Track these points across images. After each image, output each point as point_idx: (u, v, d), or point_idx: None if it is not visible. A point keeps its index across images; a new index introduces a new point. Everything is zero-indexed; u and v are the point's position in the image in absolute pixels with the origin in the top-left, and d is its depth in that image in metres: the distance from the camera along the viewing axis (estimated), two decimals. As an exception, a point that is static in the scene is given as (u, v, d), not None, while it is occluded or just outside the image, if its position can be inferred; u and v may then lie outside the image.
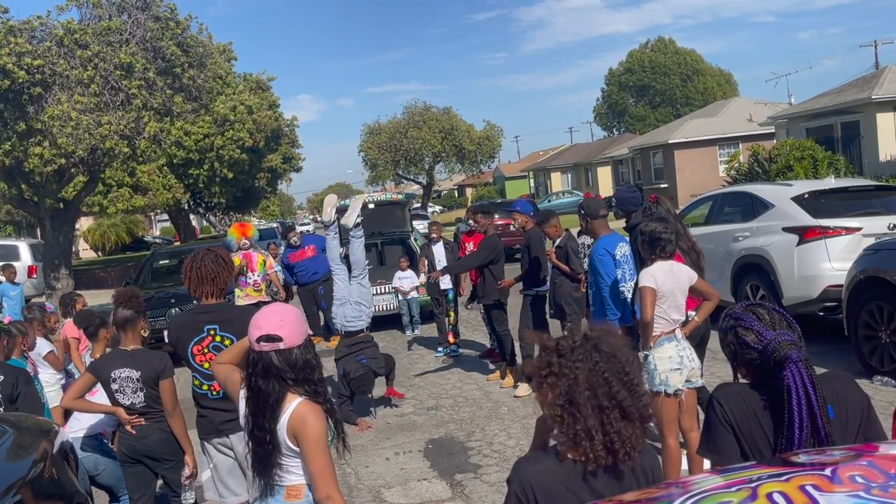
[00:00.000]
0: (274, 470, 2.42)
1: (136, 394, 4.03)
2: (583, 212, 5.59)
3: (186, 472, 4.05)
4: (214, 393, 3.74)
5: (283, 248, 12.22)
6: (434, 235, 9.99)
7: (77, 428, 4.51)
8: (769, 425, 2.13)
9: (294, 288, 11.05)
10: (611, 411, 1.90)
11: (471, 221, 8.58)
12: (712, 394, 2.27)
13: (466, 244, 9.13)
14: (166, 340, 4.03)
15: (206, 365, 3.71)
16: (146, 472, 4.10)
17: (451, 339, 9.43)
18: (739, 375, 2.31)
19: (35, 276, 18.14)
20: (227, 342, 3.68)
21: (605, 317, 5.12)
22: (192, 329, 3.77)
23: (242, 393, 2.53)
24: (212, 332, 3.73)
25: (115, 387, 4.02)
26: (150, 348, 4.28)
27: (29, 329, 5.47)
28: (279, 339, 2.40)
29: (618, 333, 2.05)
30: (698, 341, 4.78)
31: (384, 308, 11.12)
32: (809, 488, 1.56)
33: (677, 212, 6.70)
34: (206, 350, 3.74)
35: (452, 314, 9.47)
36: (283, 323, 2.42)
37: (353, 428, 6.55)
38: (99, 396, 4.31)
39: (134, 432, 4.02)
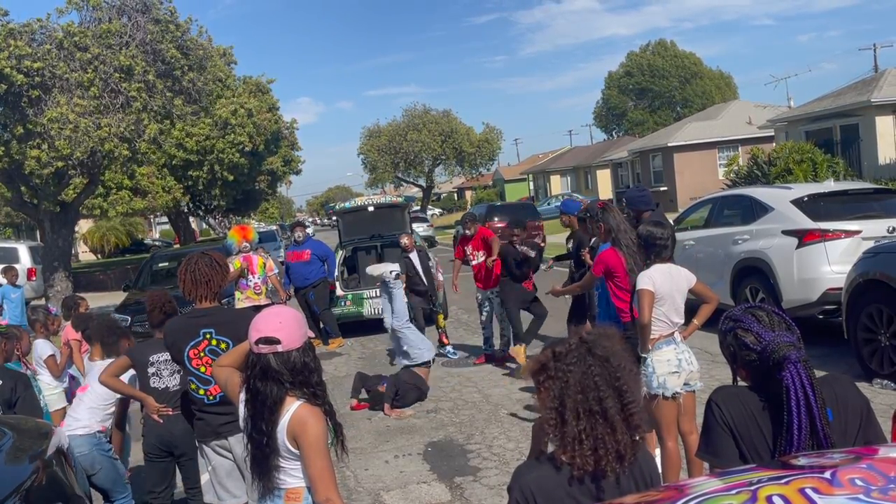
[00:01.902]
0: (273, 473, 2.42)
1: (173, 376, 4.17)
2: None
3: None
4: (210, 398, 3.72)
5: (281, 249, 12.20)
6: (406, 243, 10.04)
7: (75, 427, 4.50)
8: (768, 428, 2.13)
9: (291, 289, 11.05)
10: (599, 416, 1.90)
11: (467, 231, 9.07)
12: (710, 396, 2.26)
13: (465, 248, 9.24)
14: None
15: (203, 369, 3.70)
16: (170, 465, 4.27)
17: (444, 340, 9.64)
18: (739, 378, 2.31)
19: (34, 278, 18.12)
20: (223, 346, 3.67)
21: (610, 318, 5.12)
22: (188, 333, 3.76)
23: (242, 396, 2.53)
24: (207, 336, 3.72)
25: (151, 370, 4.17)
26: None
27: (23, 334, 5.44)
28: (277, 342, 2.40)
29: (616, 337, 2.05)
30: None
31: (379, 311, 11.12)
32: (809, 491, 1.56)
33: (677, 214, 6.70)
34: (202, 354, 3.72)
35: (441, 317, 9.83)
36: (281, 325, 2.43)
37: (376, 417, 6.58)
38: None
39: (161, 421, 4.12)
